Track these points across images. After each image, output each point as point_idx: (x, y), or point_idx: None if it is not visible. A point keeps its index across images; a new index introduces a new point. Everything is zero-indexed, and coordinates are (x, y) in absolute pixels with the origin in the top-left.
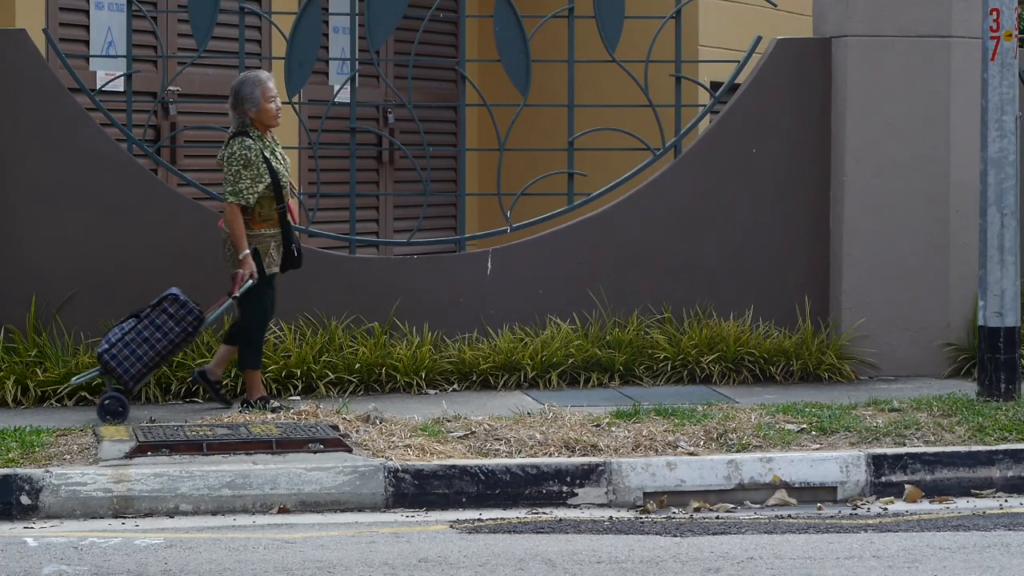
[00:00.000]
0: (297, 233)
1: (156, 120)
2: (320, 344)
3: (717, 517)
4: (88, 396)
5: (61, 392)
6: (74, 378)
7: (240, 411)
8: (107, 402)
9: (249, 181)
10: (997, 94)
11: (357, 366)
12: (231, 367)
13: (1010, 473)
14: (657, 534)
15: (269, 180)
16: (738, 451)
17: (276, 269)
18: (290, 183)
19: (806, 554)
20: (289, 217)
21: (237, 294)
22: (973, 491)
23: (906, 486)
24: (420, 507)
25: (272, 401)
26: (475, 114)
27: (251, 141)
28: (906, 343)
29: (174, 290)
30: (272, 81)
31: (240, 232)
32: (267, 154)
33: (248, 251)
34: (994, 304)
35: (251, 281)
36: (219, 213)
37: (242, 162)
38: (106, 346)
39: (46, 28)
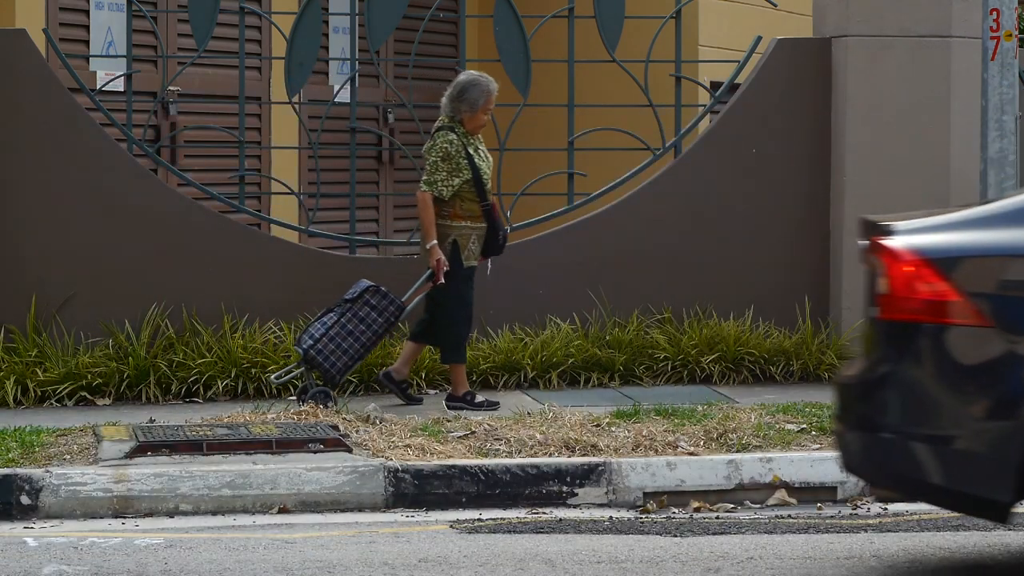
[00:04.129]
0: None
1: (156, 120)
2: None
3: (717, 517)
4: (88, 396)
5: (61, 392)
6: (273, 376)
7: (447, 407)
8: (313, 398)
9: (445, 174)
10: (997, 94)
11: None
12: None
13: None
14: (657, 534)
15: (469, 176)
16: (738, 451)
17: (475, 262)
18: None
19: (806, 554)
20: (495, 218)
21: (441, 280)
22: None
23: None
24: (420, 507)
25: (477, 396)
26: None
27: (454, 136)
28: None
29: (368, 282)
30: (496, 94)
31: (429, 221)
32: (470, 150)
33: (434, 242)
34: None
35: (445, 268)
36: (219, 213)
37: (441, 154)
38: (311, 342)
39: (46, 28)
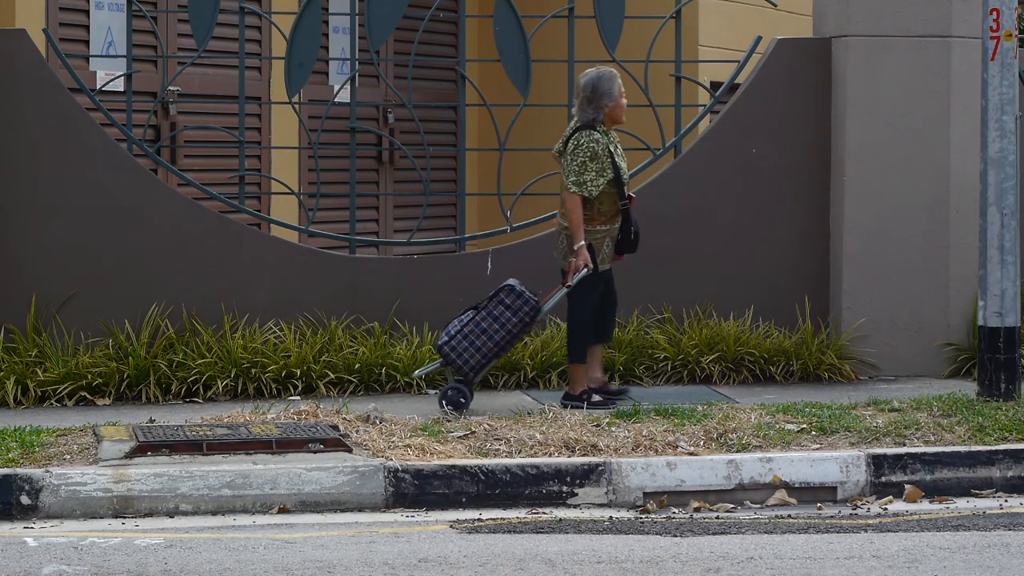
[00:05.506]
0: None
1: (156, 120)
2: (320, 344)
3: (717, 517)
4: (88, 396)
5: (61, 392)
6: (416, 371)
7: (562, 405)
8: (449, 393)
9: (594, 174)
10: (997, 94)
11: (357, 366)
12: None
13: (1010, 473)
14: (657, 534)
15: (612, 175)
16: (738, 451)
17: (608, 265)
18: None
19: (806, 554)
20: (629, 210)
21: (572, 283)
22: (973, 491)
23: (906, 486)
24: (420, 507)
25: (594, 395)
26: (475, 114)
27: (598, 135)
28: (906, 343)
29: (511, 281)
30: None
31: (578, 222)
32: (611, 148)
33: (584, 242)
34: (994, 304)
35: (585, 271)
36: (219, 213)
37: (589, 154)
38: (446, 338)
39: (46, 28)
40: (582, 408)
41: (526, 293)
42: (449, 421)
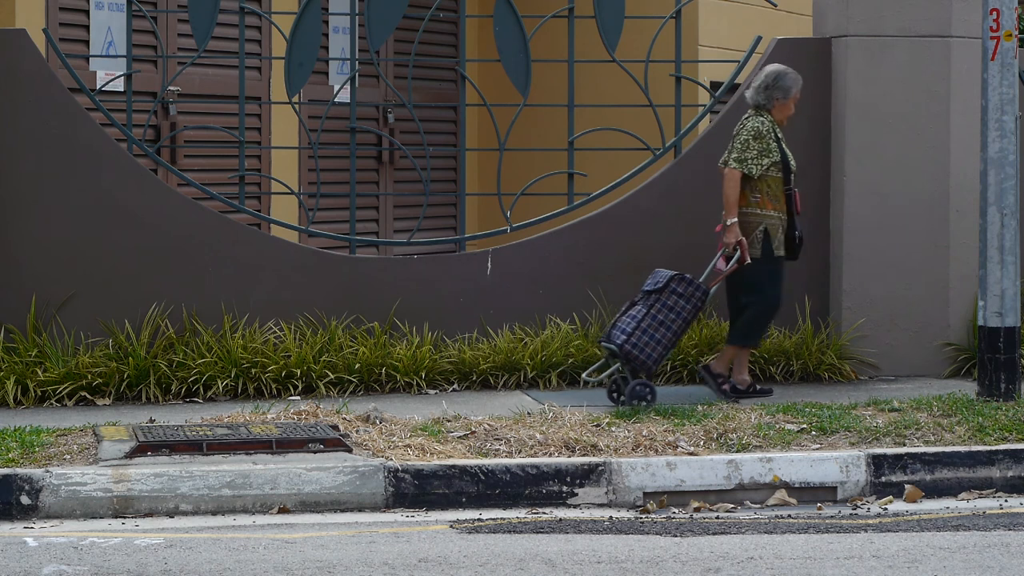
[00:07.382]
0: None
1: (156, 120)
2: (320, 344)
3: (717, 517)
4: (88, 396)
5: (61, 392)
6: (584, 374)
7: (732, 400)
8: (638, 389)
9: (756, 152)
10: (997, 94)
11: (357, 366)
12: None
13: (1010, 473)
14: (657, 534)
15: (777, 158)
16: (738, 451)
17: (783, 252)
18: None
19: (806, 554)
20: (795, 206)
21: (731, 266)
22: (973, 491)
23: (906, 486)
24: (420, 507)
25: (757, 384)
26: (475, 114)
27: (764, 119)
28: (906, 343)
29: (669, 271)
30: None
31: (733, 198)
32: (779, 135)
33: (735, 219)
34: (994, 304)
35: (737, 257)
36: (219, 213)
37: (753, 133)
38: (624, 337)
39: (46, 28)
40: (754, 399)
41: (695, 280)
42: (449, 421)
